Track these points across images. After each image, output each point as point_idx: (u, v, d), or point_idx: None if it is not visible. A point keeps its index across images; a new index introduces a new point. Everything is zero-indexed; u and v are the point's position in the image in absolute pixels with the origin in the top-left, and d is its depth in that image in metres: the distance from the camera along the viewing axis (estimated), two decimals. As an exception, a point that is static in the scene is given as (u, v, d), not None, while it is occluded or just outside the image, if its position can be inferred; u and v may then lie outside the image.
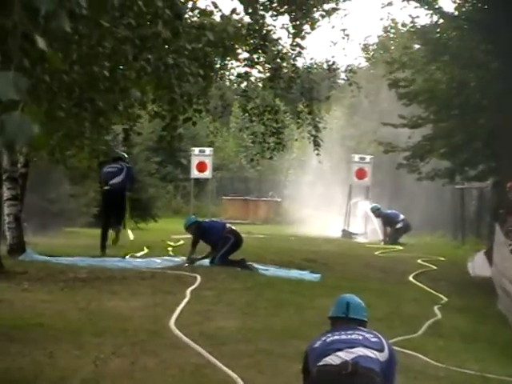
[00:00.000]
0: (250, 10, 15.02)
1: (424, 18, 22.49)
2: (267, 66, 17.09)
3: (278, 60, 16.81)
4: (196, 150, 28.98)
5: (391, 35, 41.67)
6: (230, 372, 7.14)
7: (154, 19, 7.83)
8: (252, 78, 18.56)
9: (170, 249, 17.98)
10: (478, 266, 17.05)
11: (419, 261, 18.58)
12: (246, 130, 25.08)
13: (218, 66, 15.64)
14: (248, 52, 16.70)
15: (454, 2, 21.77)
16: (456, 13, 21.80)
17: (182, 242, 19.08)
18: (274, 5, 16.34)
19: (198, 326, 9.30)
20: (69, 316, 9.60)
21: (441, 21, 22.35)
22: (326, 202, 31.42)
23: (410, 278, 15.44)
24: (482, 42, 21.02)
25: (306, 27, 17.02)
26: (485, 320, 11.48)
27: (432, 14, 22.16)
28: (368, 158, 28.61)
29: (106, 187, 16.52)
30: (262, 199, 40.16)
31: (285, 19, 16.85)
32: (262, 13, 15.81)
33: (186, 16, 10.18)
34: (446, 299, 12.96)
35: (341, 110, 43.58)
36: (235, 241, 15.07)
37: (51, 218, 22.04)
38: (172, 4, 7.97)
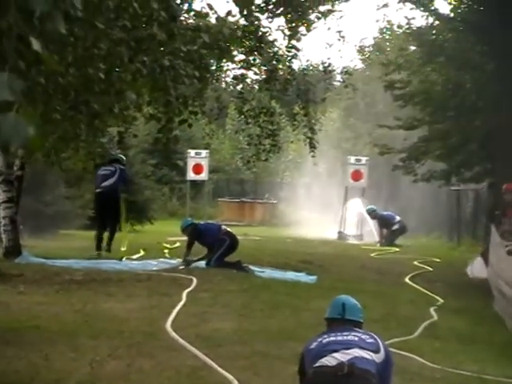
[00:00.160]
0: (246, 12, 15.01)
1: (420, 19, 22.66)
2: (263, 67, 17.09)
3: (274, 62, 16.80)
4: (192, 152, 28.97)
5: (387, 37, 41.73)
6: (226, 374, 7.14)
7: (149, 21, 7.83)
8: (248, 80, 18.57)
9: (166, 251, 17.97)
10: (476, 268, 17.05)
11: (415, 262, 18.57)
12: (241, 132, 25.05)
13: (213, 67, 15.63)
14: (244, 54, 16.71)
15: (450, 4, 21.82)
16: (452, 14, 21.84)
17: (178, 244, 19.05)
18: (270, 7, 16.35)
19: (194, 328, 9.29)
20: (64, 318, 9.59)
21: (436, 22, 22.38)
22: (321, 203, 31.45)
23: (406, 280, 15.44)
24: (478, 43, 21.05)
25: (302, 29, 17.02)
26: (481, 321, 11.48)
27: (428, 16, 22.21)
28: (364, 159, 28.61)
29: (98, 190, 16.49)
30: (257, 201, 40.16)
31: (280, 21, 16.85)
32: (257, 15, 15.81)
33: (182, 18, 10.19)
34: (442, 301, 12.96)
35: (337, 111, 43.70)
36: (231, 243, 15.08)
37: (47, 221, 22.02)
38: (167, 6, 7.98)
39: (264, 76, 17.25)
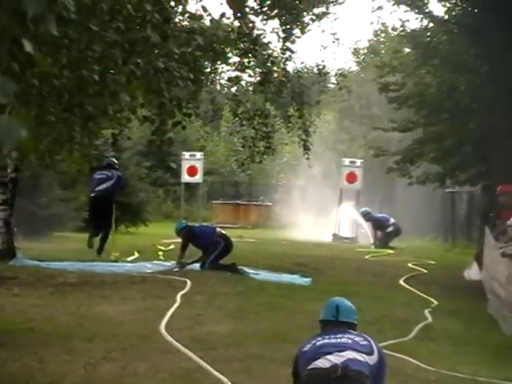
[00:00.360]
0: (239, 15, 15.03)
1: (414, 21, 22.73)
2: (257, 70, 17.11)
3: (269, 64, 16.83)
4: (186, 155, 28.93)
5: (381, 39, 41.77)
6: (220, 376, 7.13)
7: (143, 23, 7.83)
8: (242, 82, 18.61)
9: (160, 253, 17.96)
10: (473, 271, 17.04)
11: (410, 264, 18.57)
12: (236, 134, 25.08)
13: (208, 70, 15.64)
14: (238, 56, 16.72)
15: (444, 6, 21.83)
16: (446, 17, 21.85)
17: (172, 246, 19.04)
18: (265, 9, 16.37)
19: (188, 331, 9.28)
20: (59, 321, 9.58)
21: (431, 25, 22.37)
22: (316, 206, 31.42)
23: (401, 282, 15.44)
24: (472, 45, 21.06)
25: (297, 31, 17.06)
26: (475, 323, 11.48)
27: (422, 18, 22.19)
28: (358, 161, 28.61)
29: (93, 194, 16.44)
30: (252, 203, 40.12)
31: (275, 23, 16.89)
32: (251, 17, 15.83)
33: (176, 20, 10.19)
34: (436, 303, 12.95)
35: (331, 114, 43.70)
36: (225, 245, 15.08)
37: (41, 223, 21.98)
38: (161, 8, 7.98)
39: (258, 78, 17.28)
